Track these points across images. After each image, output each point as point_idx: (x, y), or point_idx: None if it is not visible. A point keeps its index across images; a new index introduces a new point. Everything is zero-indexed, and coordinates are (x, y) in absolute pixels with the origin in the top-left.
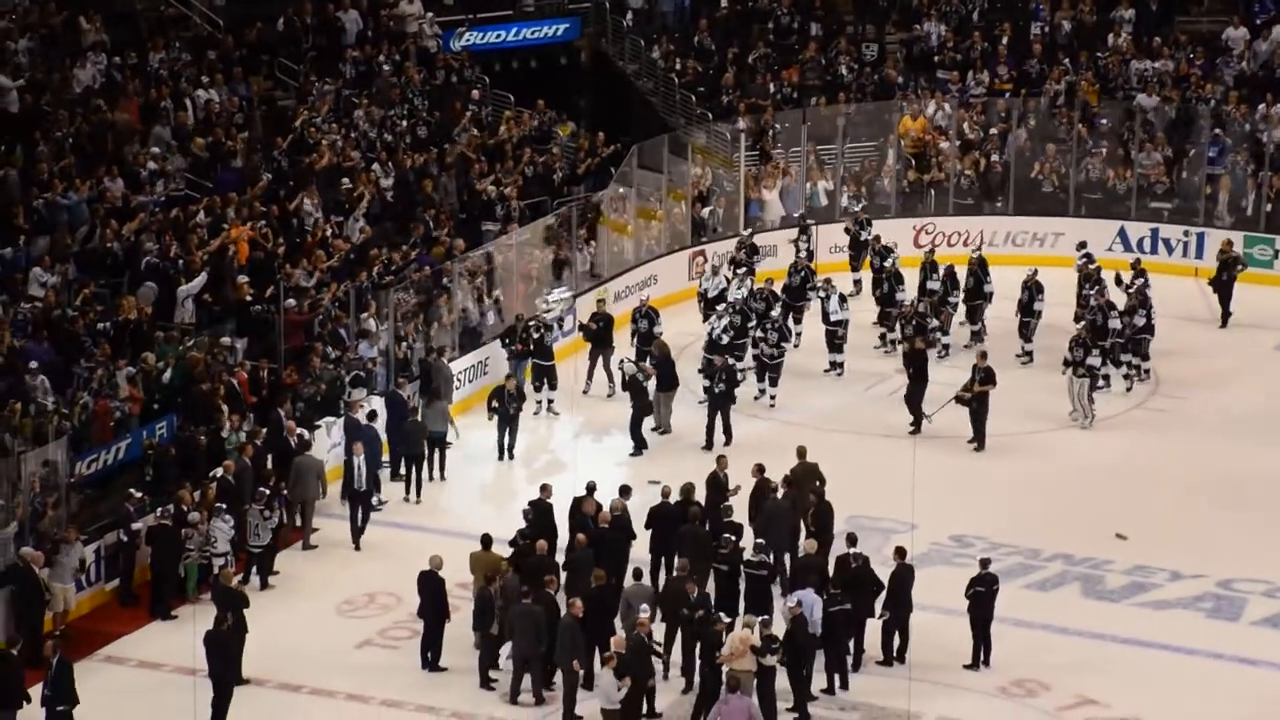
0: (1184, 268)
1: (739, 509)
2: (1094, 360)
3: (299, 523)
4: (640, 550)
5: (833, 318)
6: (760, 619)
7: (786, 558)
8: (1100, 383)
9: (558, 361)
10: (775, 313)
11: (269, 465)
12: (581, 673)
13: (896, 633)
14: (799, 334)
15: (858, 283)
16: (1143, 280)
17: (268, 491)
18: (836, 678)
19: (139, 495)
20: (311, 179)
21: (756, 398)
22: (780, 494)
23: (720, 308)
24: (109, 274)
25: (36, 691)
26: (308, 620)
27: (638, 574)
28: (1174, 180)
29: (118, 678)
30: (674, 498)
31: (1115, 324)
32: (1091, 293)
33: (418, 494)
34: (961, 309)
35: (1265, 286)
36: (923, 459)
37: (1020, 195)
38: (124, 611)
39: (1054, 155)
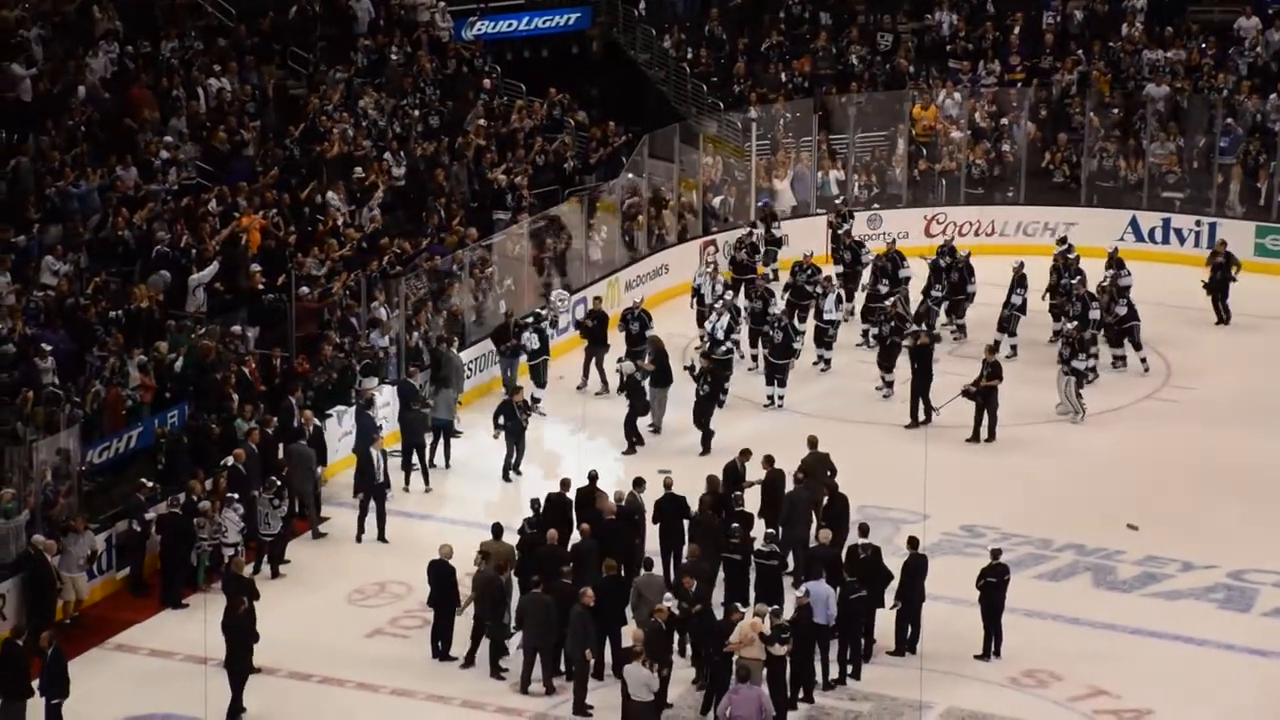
0: (1196, 257)
1: (750, 500)
2: (1079, 363)
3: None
4: (649, 541)
5: (826, 316)
6: (771, 609)
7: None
8: (1090, 376)
9: (553, 358)
10: (775, 310)
11: (279, 454)
12: (593, 662)
13: (909, 623)
14: (802, 334)
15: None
16: (1113, 271)
17: (278, 480)
18: (849, 668)
19: (150, 484)
20: (335, 171)
21: (766, 406)
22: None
23: (718, 305)
24: (121, 262)
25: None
26: (318, 609)
27: (649, 564)
28: (1185, 170)
29: (129, 666)
30: (676, 489)
31: (1095, 315)
32: (1074, 282)
33: (425, 482)
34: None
35: (1277, 276)
36: (933, 450)
37: (1031, 185)
38: (135, 600)
39: (1065, 145)
